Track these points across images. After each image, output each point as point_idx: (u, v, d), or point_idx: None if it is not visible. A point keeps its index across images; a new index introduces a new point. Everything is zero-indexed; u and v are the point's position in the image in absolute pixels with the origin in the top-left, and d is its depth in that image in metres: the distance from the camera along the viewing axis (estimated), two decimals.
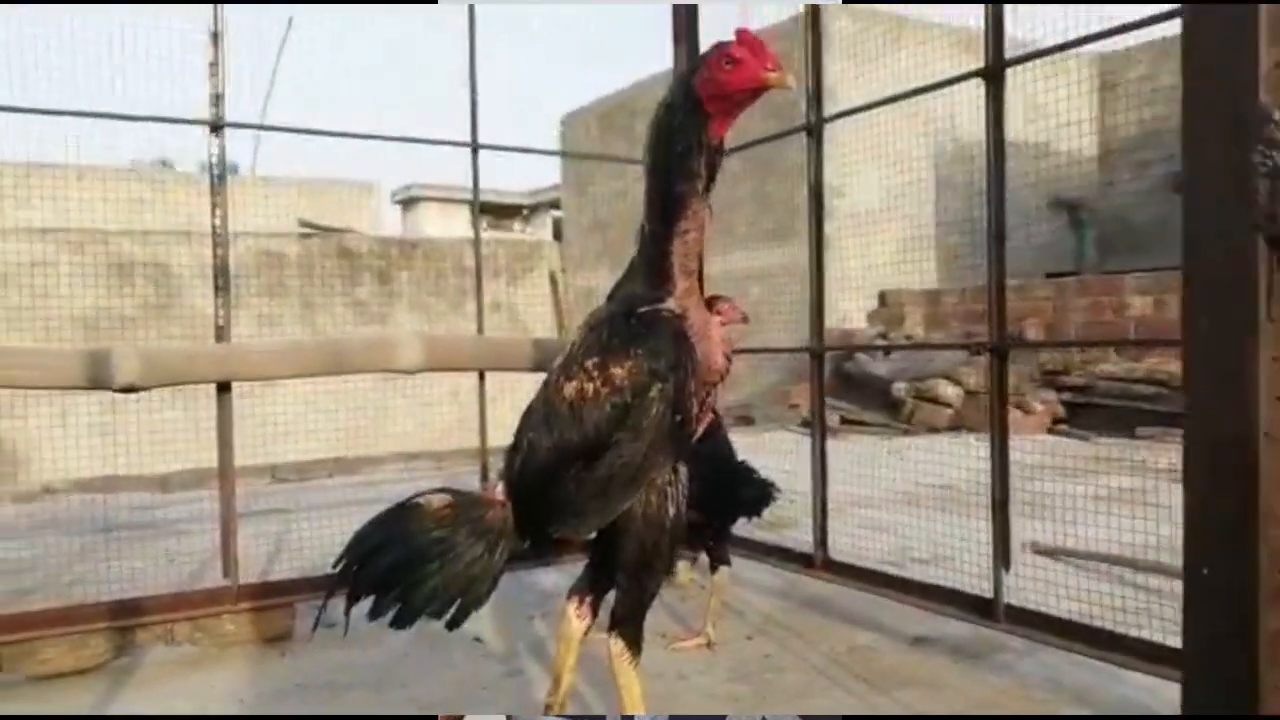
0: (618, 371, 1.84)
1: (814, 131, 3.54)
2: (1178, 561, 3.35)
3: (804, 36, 3.46)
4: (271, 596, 3.25)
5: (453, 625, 1.95)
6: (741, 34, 1.79)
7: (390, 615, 1.91)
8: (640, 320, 1.88)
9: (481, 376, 3.51)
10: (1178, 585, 3.35)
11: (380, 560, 1.92)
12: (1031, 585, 3.03)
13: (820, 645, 3.12)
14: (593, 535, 2.06)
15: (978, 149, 7.54)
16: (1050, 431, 8.55)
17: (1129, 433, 7.94)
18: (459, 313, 13.87)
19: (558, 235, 18.95)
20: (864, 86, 10.87)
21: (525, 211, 28.39)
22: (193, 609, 3.14)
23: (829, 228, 11.99)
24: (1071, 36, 2.65)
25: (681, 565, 3.81)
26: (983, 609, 2.80)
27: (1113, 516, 4.14)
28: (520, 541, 2.02)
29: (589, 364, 1.88)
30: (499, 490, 2.05)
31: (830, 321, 10.65)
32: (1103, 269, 12.04)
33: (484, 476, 3.59)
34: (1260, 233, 0.70)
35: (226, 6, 3.05)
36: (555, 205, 26.89)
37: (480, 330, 3.58)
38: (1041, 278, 10.94)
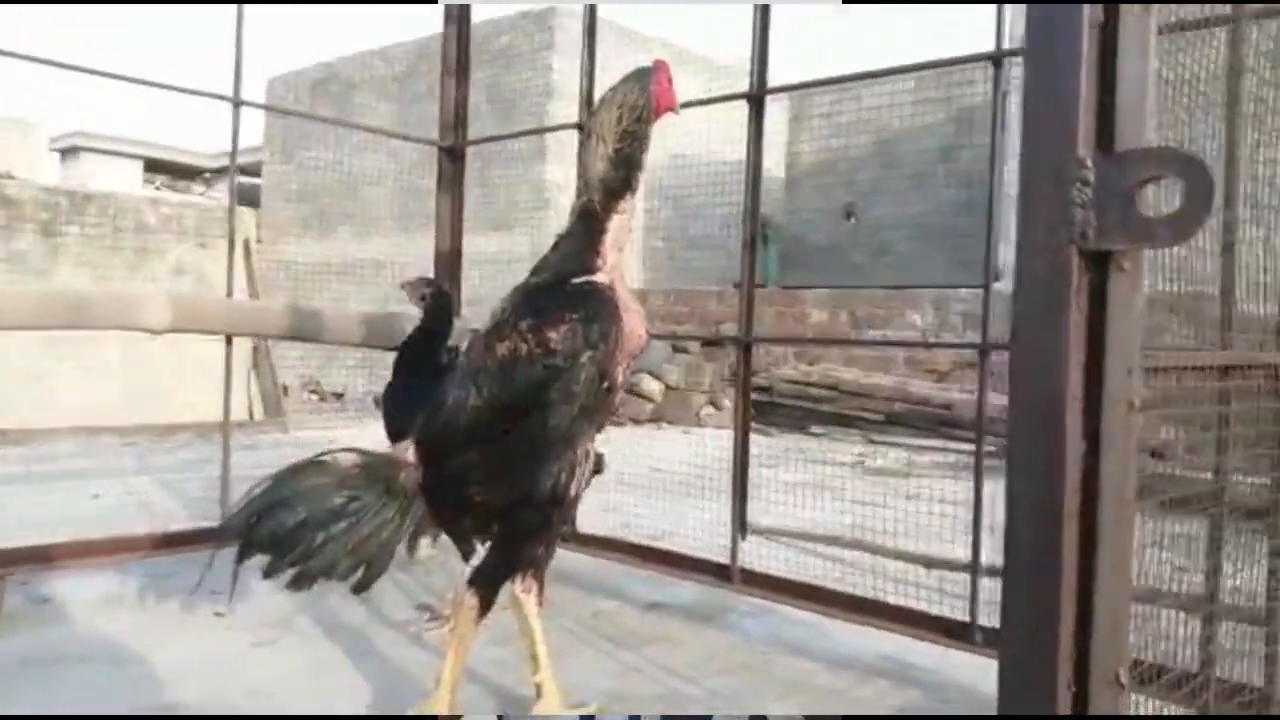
0: (552, 335, 1.93)
1: (586, 128, 3.70)
2: (870, 538, 3.90)
3: (584, 41, 3.62)
4: None
5: (360, 589, 1.95)
6: (664, 65, 2.10)
7: (288, 576, 1.87)
8: (575, 289, 1.98)
9: (229, 341, 3.37)
10: (871, 559, 3.92)
11: (282, 517, 1.87)
12: (751, 559, 3.42)
13: (567, 611, 3.32)
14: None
15: (688, 159, 8.11)
16: None
17: (804, 429, 8.87)
18: (138, 275, 12.72)
19: (250, 201, 17.79)
20: (597, 84, 11.22)
21: (208, 174, 26.38)
22: None
23: (550, 220, 12.24)
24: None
25: (424, 541, 3.85)
26: (720, 573, 3.13)
27: (807, 499, 4.73)
28: (429, 505, 2.04)
29: (522, 326, 1.96)
30: (409, 452, 2.05)
31: None
32: (782, 283, 13.27)
33: (226, 449, 3.43)
34: (1075, 245, 0.98)
35: None
36: (244, 170, 25.18)
37: (229, 294, 3.42)
38: (730, 287, 11.89)
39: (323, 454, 2.08)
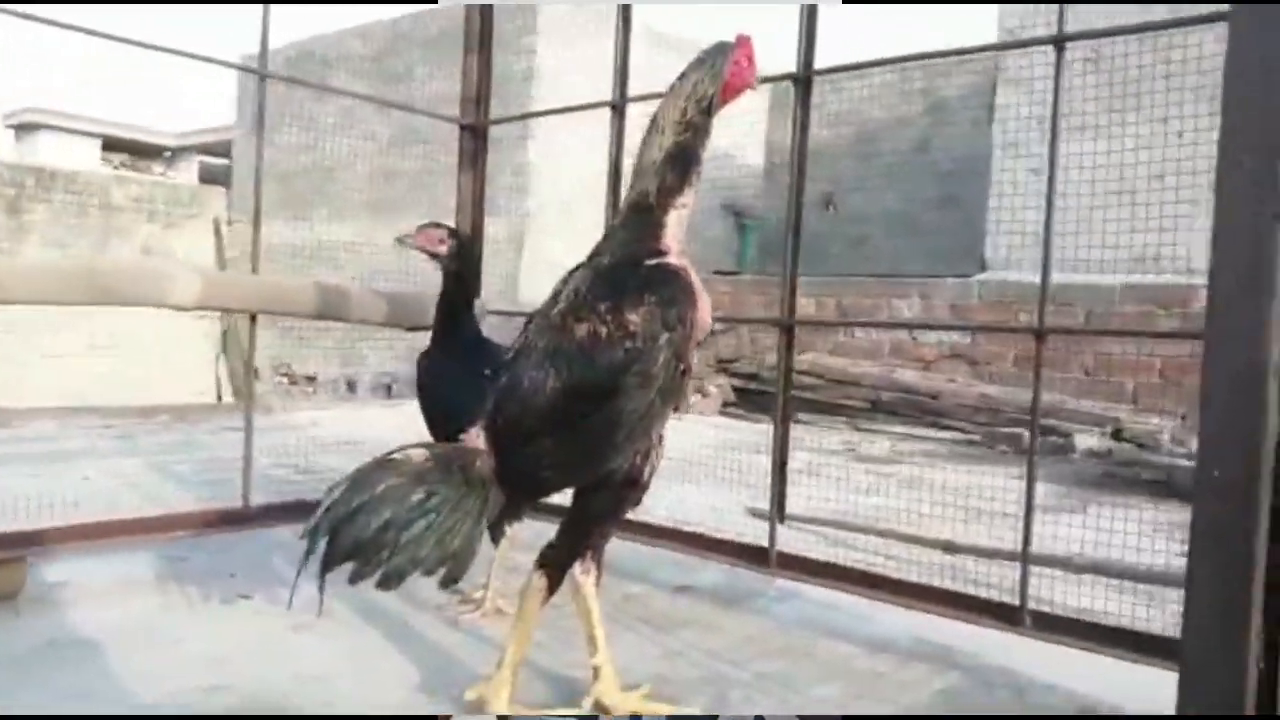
0: (632, 317, 1.90)
1: (618, 107, 3.66)
2: (875, 524, 3.95)
3: (617, 26, 3.56)
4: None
5: (448, 582, 1.92)
6: (748, 41, 2.03)
7: (376, 577, 1.84)
8: (652, 271, 1.95)
9: (253, 319, 3.29)
10: (881, 543, 3.96)
11: (363, 522, 1.83)
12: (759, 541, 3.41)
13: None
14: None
15: None
16: (721, 413, 9.37)
17: (790, 417, 8.90)
18: (106, 254, 12.43)
19: (220, 181, 17.47)
20: (579, 69, 11.15)
21: (168, 153, 25.90)
22: None
23: (530, 206, 12.18)
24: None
25: None
26: (757, 556, 3.13)
27: (804, 485, 4.75)
28: (504, 491, 2.01)
29: (601, 307, 1.92)
30: (479, 439, 2.01)
31: (528, 296, 10.90)
32: (760, 271, 13.32)
33: (248, 427, 3.36)
34: (1279, 220, 0.97)
35: None
36: (207, 150, 24.70)
37: (255, 270, 3.34)
38: (710, 274, 11.90)
39: (392, 452, 2.05)
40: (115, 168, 23.78)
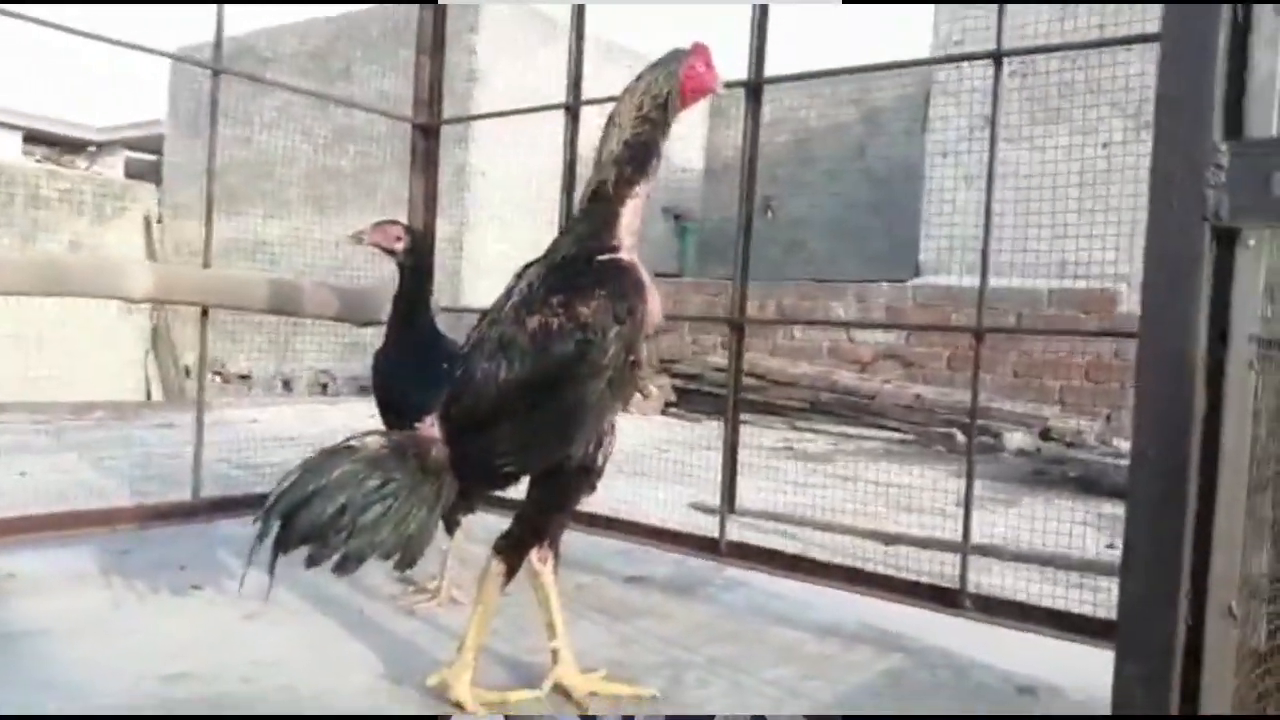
0: (583, 310, 1.96)
1: (572, 109, 3.71)
2: (817, 517, 4.08)
3: (571, 29, 3.63)
4: None
5: (402, 566, 1.95)
6: (704, 48, 2.10)
7: (333, 560, 1.87)
8: (603, 266, 2.01)
9: (205, 313, 3.28)
10: (823, 537, 4.09)
11: (319, 507, 1.87)
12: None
13: None
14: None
15: None
16: (663, 413, 9.47)
17: None
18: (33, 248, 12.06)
19: (149, 177, 17.05)
20: (522, 72, 11.13)
21: (93, 148, 25.18)
22: None
23: (470, 207, 12.13)
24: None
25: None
26: (707, 546, 3.22)
27: (748, 480, 4.87)
28: (458, 479, 2.05)
29: (553, 301, 1.98)
30: (434, 428, 2.04)
31: (471, 299, 10.90)
32: (700, 274, 13.47)
33: (200, 423, 3.35)
34: (1207, 223, 1.09)
35: None
36: (132, 145, 24.06)
37: (206, 264, 3.32)
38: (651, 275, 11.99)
39: (349, 439, 2.09)
40: (38, 161, 23.03)
